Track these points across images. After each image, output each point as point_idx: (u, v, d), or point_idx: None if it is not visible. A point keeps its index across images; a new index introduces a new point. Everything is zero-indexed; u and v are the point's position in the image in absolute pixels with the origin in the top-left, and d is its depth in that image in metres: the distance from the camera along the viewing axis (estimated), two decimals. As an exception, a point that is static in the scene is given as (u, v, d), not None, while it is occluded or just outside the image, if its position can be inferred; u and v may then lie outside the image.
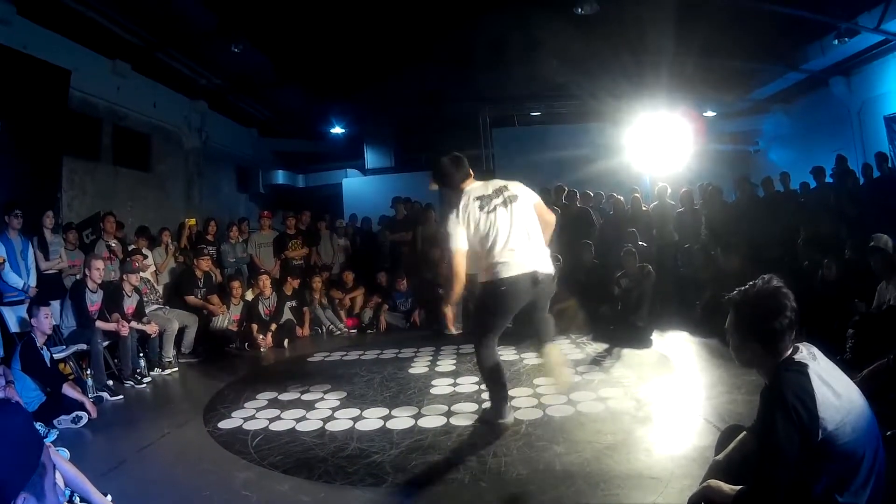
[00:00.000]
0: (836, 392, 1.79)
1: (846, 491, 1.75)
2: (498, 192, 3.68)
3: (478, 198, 3.65)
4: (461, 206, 3.65)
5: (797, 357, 1.86)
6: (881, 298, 4.87)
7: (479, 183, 3.80)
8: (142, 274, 6.69)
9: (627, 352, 5.75)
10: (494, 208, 3.60)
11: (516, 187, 3.74)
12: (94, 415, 4.46)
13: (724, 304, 1.99)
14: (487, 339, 3.70)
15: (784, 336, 1.86)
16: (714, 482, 1.99)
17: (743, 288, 1.96)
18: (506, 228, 3.57)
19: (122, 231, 7.91)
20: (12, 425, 2.03)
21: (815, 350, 1.92)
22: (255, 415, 4.41)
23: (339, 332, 7.99)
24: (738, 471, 2.00)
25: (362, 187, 14.57)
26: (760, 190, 8.63)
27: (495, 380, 3.74)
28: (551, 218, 3.85)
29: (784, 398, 1.75)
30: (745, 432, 2.12)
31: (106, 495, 2.85)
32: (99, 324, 5.70)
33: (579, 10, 8.53)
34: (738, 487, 1.88)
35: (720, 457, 2.14)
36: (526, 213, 3.66)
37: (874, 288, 4.98)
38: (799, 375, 1.79)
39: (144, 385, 5.66)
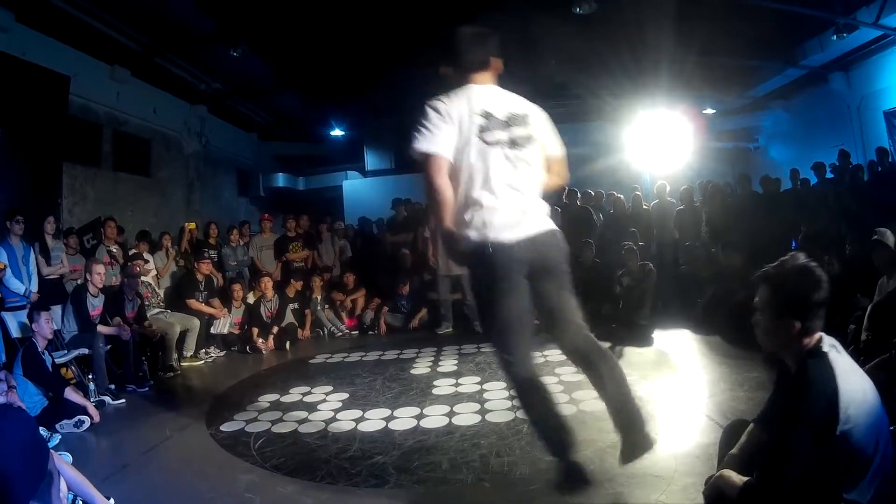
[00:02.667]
0: (856, 387, 1.75)
1: (854, 488, 1.72)
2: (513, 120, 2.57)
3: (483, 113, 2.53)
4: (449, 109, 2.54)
5: (824, 347, 1.80)
6: (882, 293, 4.86)
7: (496, 89, 2.70)
8: (143, 278, 6.70)
9: (629, 350, 5.74)
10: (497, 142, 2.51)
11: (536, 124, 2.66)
12: (96, 419, 4.46)
13: (756, 280, 1.90)
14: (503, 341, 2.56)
15: (819, 312, 1.80)
16: (726, 472, 1.95)
17: (775, 263, 1.88)
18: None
19: (122, 236, 7.92)
20: (21, 434, 2.02)
21: (836, 342, 1.86)
22: (258, 417, 4.41)
23: (340, 334, 7.99)
24: (750, 462, 1.97)
25: (363, 189, 14.60)
26: (758, 186, 8.62)
27: (530, 406, 2.61)
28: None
29: (809, 391, 1.71)
30: (752, 424, 2.09)
31: (109, 499, 2.85)
32: (100, 328, 5.70)
33: (577, 9, 8.52)
34: (747, 478, 1.86)
35: (734, 450, 2.09)
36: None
37: (875, 283, 4.96)
38: (826, 368, 1.74)
39: (146, 389, 5.66)
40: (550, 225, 2.56)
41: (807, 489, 1.73)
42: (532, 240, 2.45)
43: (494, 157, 2.49)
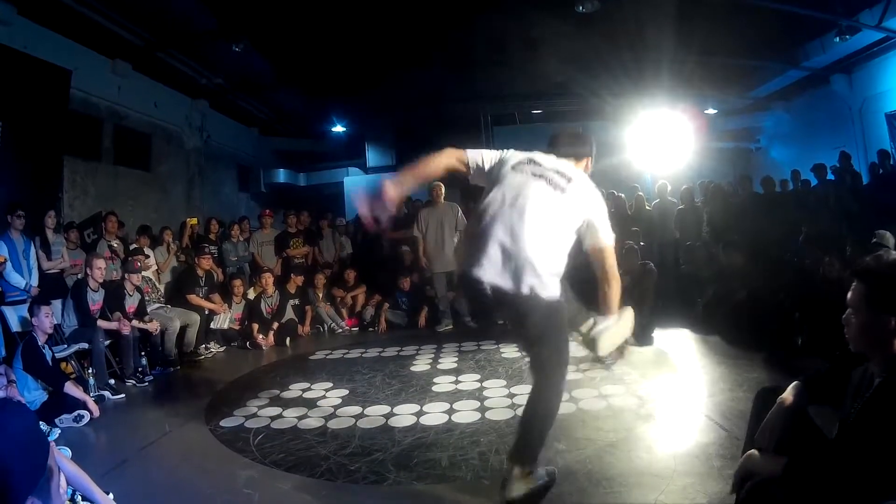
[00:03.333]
0: None
1: None
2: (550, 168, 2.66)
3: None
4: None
5: None
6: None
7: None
8: (143, 273, 6.70)
9: (629, 349, 5.73)
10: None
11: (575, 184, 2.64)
12: (96, 414, 4.47)
13: (851, 275, 1.82)
14: None
15: None
16: (754, 453, 1.91)
17: (868, 258, 1.79)
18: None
19: (123, 230, 7.92)
20: (20, 428, 2.02)
21: None
22: (257, 413, 4.41)
23: (340, 331, 7.99)
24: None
25: (364, 186, 14.58)
26: (759, 187, 8.63)
27: None
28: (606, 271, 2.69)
29: None
30: (798, 382, 2.02)
31: (108, 494, 2.85)
32: (100, 323, 5.70)
33: (580, 8, 8.51)
34: (783, 460, 1.81)
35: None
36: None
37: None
38: None
39: (146, 384, 5.67)
40: (530, 290, 2.46)
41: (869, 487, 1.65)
42: (497, 289, 2.49)
43: (512, 180, 2.61)
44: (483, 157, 2.75)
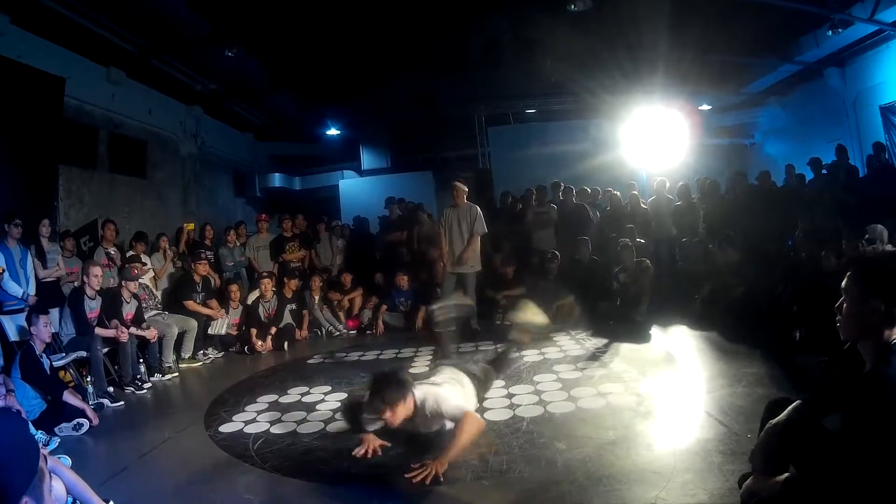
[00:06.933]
0: None
1: None
2: None
3: None
4: None
5: None
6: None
7: None
8: (140, 280, 6.68)
9: (627, 347, 5.75)
10: None
11: None
12: (95, 422, 4.46)
13: (846, 263, 1.87)
14: None
15: None
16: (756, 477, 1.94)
17: (865, 248, 1.87)
18: None
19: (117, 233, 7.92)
20: (13, 433, 2.06)
21: None
22: (256, 418, 4.41)
23: (338, 334, 7.98)
24: (790, 440, 1.93)
25: (359, 188, 14.58)
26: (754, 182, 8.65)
27: None
28: None
29: (889, 389, 1.63)
30: (799, 402, 1.99)
31: (108, 502, 2.85)
32: (98, 330, 5.69)
33: (572, 6, 8.53)
34: (784, 476, 1.83)
35: (776, 420, 2.01)
36: None
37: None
38: None
39: (145, 391, 5.65)
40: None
41: (872, 488, 1.65)
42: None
43: None
44: None
